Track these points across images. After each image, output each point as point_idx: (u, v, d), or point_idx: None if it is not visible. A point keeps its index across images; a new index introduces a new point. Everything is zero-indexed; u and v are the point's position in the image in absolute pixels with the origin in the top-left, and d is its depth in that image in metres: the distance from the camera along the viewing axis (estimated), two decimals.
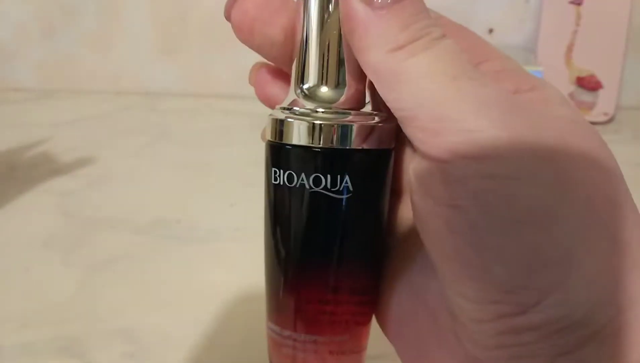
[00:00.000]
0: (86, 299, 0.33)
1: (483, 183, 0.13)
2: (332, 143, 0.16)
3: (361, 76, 0.16)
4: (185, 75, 0.66)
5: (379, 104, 0.17)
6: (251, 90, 0.21)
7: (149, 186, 0.45)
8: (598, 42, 0.56)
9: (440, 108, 0.13)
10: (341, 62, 0.17)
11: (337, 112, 0.17)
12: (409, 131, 0.14)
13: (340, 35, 0.16)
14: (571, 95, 0.58)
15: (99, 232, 0.39)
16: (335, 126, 0.16)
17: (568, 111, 0.15)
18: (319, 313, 0.18)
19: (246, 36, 0.18)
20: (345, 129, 0.16)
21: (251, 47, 0.18)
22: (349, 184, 0.16)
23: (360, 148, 0.16)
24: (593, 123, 0.57)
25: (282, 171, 0.17)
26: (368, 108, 0.17)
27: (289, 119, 0.17)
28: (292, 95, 0.17)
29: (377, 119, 0.17)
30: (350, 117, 0.16)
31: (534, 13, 0.59)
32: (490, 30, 0.61)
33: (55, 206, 0.43)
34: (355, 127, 0.16)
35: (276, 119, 0.17)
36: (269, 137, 0.17)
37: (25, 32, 0.66)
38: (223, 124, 0.58)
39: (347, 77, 0.17)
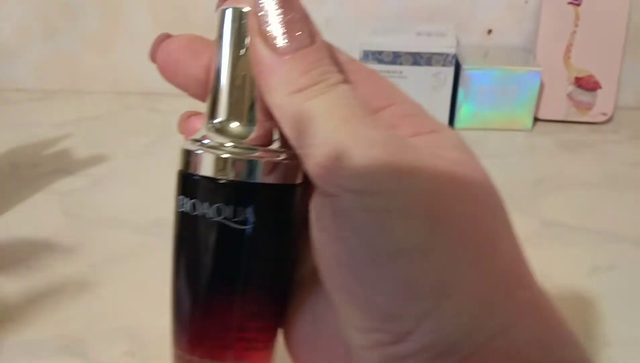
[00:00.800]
0: (88, 298, 0.33)
1: (364, 216, 0.14)
2: (236, 176, 0.17)
3: (270, 114, 0.17)
4: None
5: (287, 142, 0.17)
6: None
7: (150, 185, 0.45)
8: (597, 43, 0.56)
9: (332, 147, 0.14)
10: (251, 100, 0.17)
11: (244, 147, 0.17)
12: (306, 167, 0.15)
13: (251, 74, 0.17)
14: (569, 95, 0.58)
15: (100, 231, 0.40)
16: (240, 160, 0.17)
17: (457, 153, 0.16)
18: (219, 339, 0.18)
19: (171, 77, 0.19)
20: (250, 163, 0.17)
21: (177, 86, 0.19)
22: (252, 216, 0.17)
23: (264, 182, 0.17)
24: (591, 123, 0.58)
25: (187, 199, 0.17)
26: (276, 145, 0.18)
27: (197, 151, 0.17)
28: (203, 129, 0.18)
29: (283, 156, 0.18)
30: (256, 153, 0.17)
31: (532, 14, 0.59)
32: (489, 31, 0.61)
33: (57, 206, 0.43)
34: (260, 162, 0.17)
35: (186, 150, 0.18)
36: (179, 166, 0.18)
37: (26, 32, 0.66)
38: None
39: (258, 115, 0.17)
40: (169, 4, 0.64)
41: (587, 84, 0.57)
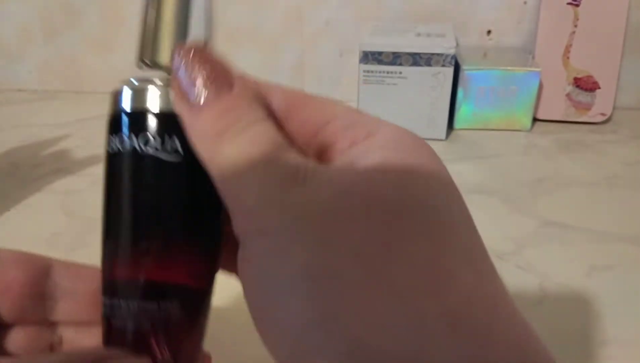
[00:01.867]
0: None
1: (264, 258, 0.14)
2: (160, 107, 0.17)
3: None
4: None
5: None
6: None
7: None
8: (595, 43, 0.56)
9: (235, 191, 0.15)
10: (185, 40, 0.18)
11: (167, 81, 0.17)
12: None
13: (174, 11, 0.18)
14: (568, 95, 0.58)
15: (101, 231, 0.40)
16: (164, 91, 0.17)
17: (384, 152, 0.16)
18: (148, 274, 0.17)
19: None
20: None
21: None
22: (178, 146, 0.17)
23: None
24: (590, 124, 0.58)
25: (115, 137, 0.18)
26: None
27: (122, 89, 0.18)
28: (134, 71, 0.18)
29: None
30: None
31: (531, 14, 0.59)
32: (489, 32, 0.61)
33: (59, 206, 0.43)
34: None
35: (113, 92, 0.18)
36: (108, 112, 0.18)
37: (28, 33, 0.66)
38: None
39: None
40: None
41: (586, 84, 0.57)
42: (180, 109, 0.16)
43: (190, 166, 0.17)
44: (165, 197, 0.17)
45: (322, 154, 0.17)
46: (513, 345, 0.13)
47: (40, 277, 0.20)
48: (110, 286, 0.18)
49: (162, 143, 0.17)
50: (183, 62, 0.16)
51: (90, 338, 0.20)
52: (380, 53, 0.51)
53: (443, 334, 0.13)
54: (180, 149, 0.17)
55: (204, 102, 0.16)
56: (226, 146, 0.15)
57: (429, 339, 0.13)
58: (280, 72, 0.65)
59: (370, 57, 0.52)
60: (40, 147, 0.53)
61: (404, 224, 0.14)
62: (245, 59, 0.64)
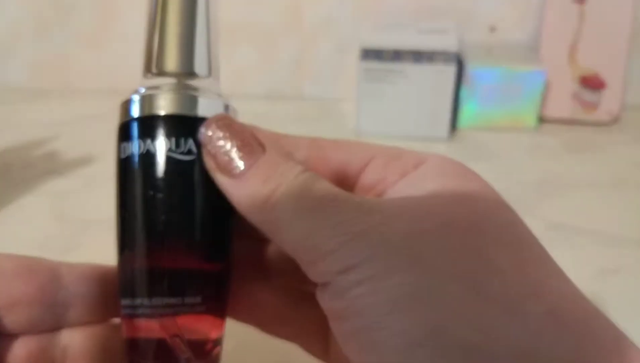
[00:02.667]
0: None
1: (356, 290, 0.15)
2: (173, 110, 0.18)
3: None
4: None
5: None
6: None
7: None
8: (602, 41, 0.56)
9: (307, 242, 0.15)
10: (192, 46, 0.19)
11: (183, 87, 0.19)
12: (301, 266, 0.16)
13: (184, 19, 0.19)
14: (575, 94, 0.57)
15: (95, 233, 0.39)
16: (175, 94, 0.18)
17: (441, 180, 0.17)
18: (172, 275, 0.18)
19: None
20: (185, 97, 0.18)
21: None
22: (193, 147, 0.18)
23: (201, 115, 0.18)
24: (597, 123, 0.58)
25: (127, 142, 0.18)
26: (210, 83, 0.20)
27: (133, 97, 0.19)
28: (142, 81, 0.20)
29: (216, 95, 0.19)
30: (194, 92, 0.19)
31: (536, 11, 0.59)
32: (493, 29, 0.60)
33: (51, 207, 0.42)
34: (197, 96, 0.18)
35: (123, 102, 0.19)
36: (119, 120, 0.19)
37: (20, 30, 0.65)
38: None
39: (196, 62, 0.19)
40: None
41: (592, 83, 0.57)
42: (222, 182, 0.17)
43: (203, 163, 0.18)
44: (184, 194, 0.18)
45: (370, 191, 0.19)
46: (607, 336, 0.15)
47: (49, 284, 0.19)
48: (132, 286, 0.18)
49: (177, 144, 0.18)
50: (213, 136, 0.17)
51: (98, 339, 0.20)
52: (381, 50, 0.51)
53: (549, 330, 0.14)
54: (194, 149, 0.18)
55: (244, 170, 0.17)
56: (282, 204, 0.16)
57: (537, 337, 0.14)
58: (278, 69, 0.64)
59: (371, 54, 0.51)
60: (32, 147, 0.52)
61: (485, 239, 0.15)
62: (243, 56, 0.64)
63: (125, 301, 0.18)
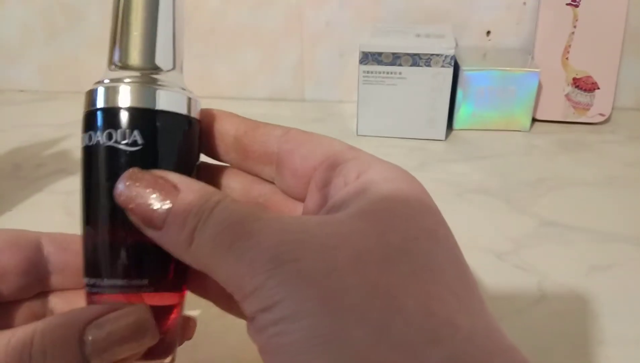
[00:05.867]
0: None
1: (274, 328, 0.15)
2: (123, 102, 0.19)
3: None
4: (186, 76, 0.66)
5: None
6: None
7: None
8: (595, 44, 0.56)
9: (230, 283, 0.16)
10: (154, 40, 0.20)
11: (136, 79, 0.19)
12: None
13: (141, 15, 0.20)
14: (568, 96, 0.58)
15: None
16: (130, 87, 0.19)
17: (372, 198, 0.17)
18: (116, 256, 0.19)
19: None
20: (138, 90, 0.19)
21: None
22: (140, 138, 0.18)
23: (151, 108, 0.19)
24: (589, 124, 0.58)
25: (85, 134, 0.19)
26: (172, 77, 0.20)
27: (92, 88, 0.19)
28: (104, 71, 0.20)
29: (180, 90, 0.20)
30: (150, 83, 0.19)
31: (531, 15, 0.60)
32: (488, 33, 0.61)
33: (60, 206, 0.43)
34: (147, 89, 0.19)
35: (86, 92, 0.20)
36: (83, 109, 0.20)
37: (30, 33, 0.66)
38: None
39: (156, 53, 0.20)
40: None
41: (585, 84, 0.57)
42: (151, 235, 0.17)
43: (149, 153, 0.19)
44: None
45: (322, 188, 0.19)
46: None
47: (33, 255, 0.21)
48: (91, 266, 0.19)
49: (123, 135, 0.18)
50: (128, 192, 0.17)
51: (76, 304, 0.21)
52: (380, 54, 0.52)
53: None
54: (139, 140, 0.18)
55: (164, 217, 0.17)
56: (201, 248, 0.16)
57: None
58: (280, 73, 0.65)
59: (370, 57, 0.52)
60: (42, 147, 0.53)
61: (395, 274, 0.15)
62: (245, 60, 0.64)
63: (86, 279, 0.20)
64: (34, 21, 0.65)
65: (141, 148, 0.18)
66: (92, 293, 0.19)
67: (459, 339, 0.14)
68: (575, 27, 0.56)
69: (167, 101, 0.19)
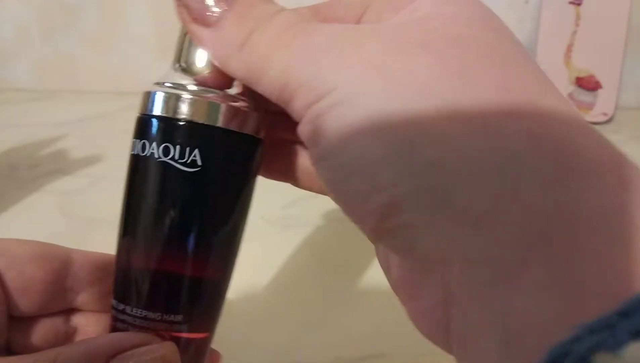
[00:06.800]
0: None
1: (327, 115, 0.14)
2: (186, 116, 0.17)
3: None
4: None
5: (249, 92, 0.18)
6: None
7: None
8: (597, 43, 0.56)
9: (280, 81, 0.15)
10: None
11: (201, 89, 0.17)
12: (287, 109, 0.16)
13: None
14: (570, 95, 0.58)
15: (99, 232, 0.40)
16: (194, 100, 0.17)
17: (429, 9, 0.15)
18: (155, 286, 0.17)
19: None
20: (204, 105, 0.17)
21: None
22: (198, 158, 0.16)
23: (216, 125, 0.17)
24: (592, 123, 0.58)
25: (139, 141, 0.17)
26: (235, 91, 0.18)
27: (153, 91, 0.17)
28: (168, 71, 0.18)
29: (241, 103, 0.17)
30: (211, 95, 0.17)
31: (533, 13, 0.59)
32: None
33: (57, 206, 0.43)
34: (214, 105, 0.17)
35: (145, 93, 0.18)
36: (138, 112, 0.18)
37: (26, 32, 0.66)
38: None
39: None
40: (169, 4, 0.63)
41: (588, 84, 0.57)
42: (197, 34, 0.16)
43: (207, 177, 0.17)
44: (180, 205, 0.17)
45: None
46: (596, 157, 0.13)
47: (60, 272, 0.19)
48: (122, 290, 0.18)
49: (182, 153, 0.16)
50: None
51: (104, 328, 0.20)
52: None
53: (526, 151, 0.12)
54: (198, 160, 0.17)
55: (218, 17, 0.16)
56: (257, 47, 0.15)
57: (513, 156, 0.12)
58: None
59: None
60: (38, 147, 0.52)
61: (465, 57, 0.14)
62: None
63: (113, 302, 0.18)
64: (30, 19, 0.65)
65: (199, 170, 0.16)
66: (119, 319, 0.18)
67: (546, 117, 0.13)
68: (577, 26, 0.56)
69: (233, 118, 0.17)
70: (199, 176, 0.17)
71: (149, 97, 0.17)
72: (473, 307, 0.13)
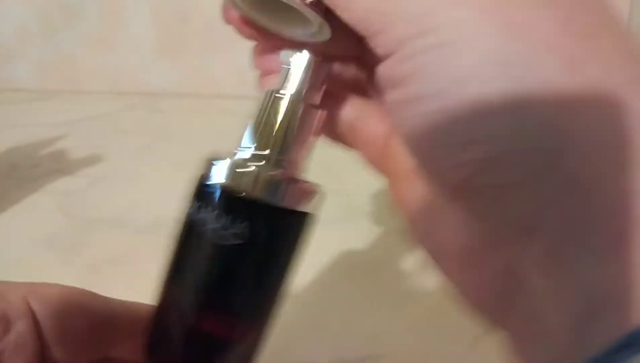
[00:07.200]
0: None
1: (430, 54, 0.13)
2: (244, 189, 0.17)
3: (303, 148, 0.18)
4: (186, 75, 0.66)
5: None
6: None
7: (149, 186, 0.45)
8: None
9: (381, 6, 0.14)
10: (283, 138, 0.18)
11: (266, 165, 0.17)
12: (371, 42, 0.14)
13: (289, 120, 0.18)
14: None
15: (100, 232, 0.40)
16: (254, 175, 0.17)
17: None
18: (198, 351, 0.18)
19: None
20: (262, 180, 0.17)
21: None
22: (247, 231, 0.17)
23: (271, 202, 0.17)
24: None
25: (195, 202, 0.18)
26: (296, 175, 0.18)
27: (217, 161, 0.18)
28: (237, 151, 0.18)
29: (302, 182, 0.18)
30: (273, 173, 0.17)
31: None
32: None
33: (57, 206, 0.43)
34: (270, 182, 0.17)
35: (209, 159, 0.18)
36: (200, 175, 0.18)
37: (26, 32, 0.66)
38: (223, 124, 0.58)
39: (291, 149, 0.18)
40: (169, 4, 0.64)
41: None
42: None
43: (254, 250, 0.17)
44: (226, 277, 0.17)
45: None
46: None
47: (99, 324, 0.19)
48: (154, 352, 0.18)
49: (234, 225, 0.17)
50: None
51: None
52: None
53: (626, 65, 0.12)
54: (248, 235, 0.17)
55: None
56: None
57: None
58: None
59: None
60: (38, 147, 0.52)
61: (593, 16, 0.13)
62: (245, 59, 0.64)
63: (146, 357, 0.18)
64: (30, 19, 0.65)
65: (250, 244, 0.17)
66: None
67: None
68: None
69: (288, 196, 0.17)
70: (249, 249, 0.17)
71: (212, 164, 0.18)
72: (553, 280, 0.12)
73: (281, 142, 0.18)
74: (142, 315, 0.20)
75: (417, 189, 0.17)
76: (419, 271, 0.34)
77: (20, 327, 0.17)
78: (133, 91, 0.65)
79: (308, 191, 0.18)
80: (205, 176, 0.18)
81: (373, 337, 0.30)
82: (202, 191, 0.18)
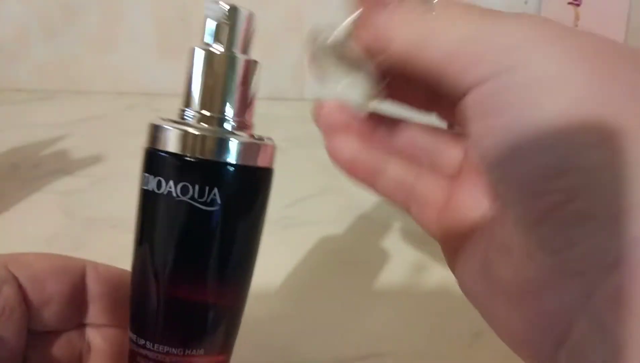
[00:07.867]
0: None
1: (518, 89, 0.14)
2: (204, 154, 0.16)
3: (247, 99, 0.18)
4: (183, 75, 0.66)
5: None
6: None
7: None
8: None
9: (468, 47, 0.14)
10: (224, 92, 0.18)
11: (217, 126, 0.17)
12: (446, 81, 0.15)
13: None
14: None
15: (101, 232, 0.40)
16: (210, 137, 0.17)
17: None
18: (174, 323, 0.17)
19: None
20: (220, 142, 0.17)
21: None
22: (218, 197, 0.17)
23: (233, 162, 0.17)
24: None
25: (152, 177, 0.17)
26: (249, 131, 0.18)
27: (166, 126, 0.17)
28: (181, 106, 0.18)
29: (257, 138, 0.18)
30: (228, 133, 0.17)
31: (532, 14, 0.59)
32: None
33: (58, 206, 0.43)
34: (230, 142, 0.17)
35: (154, 125, 0.17)
36: (146, 143, 0.18)
37: (27, 32, 0.66)
38: None
39: (236, 106, 0.18)
40: (169, 4, 0.64)
41: None
42: (377, 20, 0.17)
43: (226, 215, 0.17)
44: (199, 243, 0.17)
45: None
46: None
47: (78, 285, 0.20)
48: (140, 325, 0.18)
49: (201, 193, 0.16)
50: None
51: (116, 343, 0.20)
52: None
53: None
54: (218, 199, 0.17)
55: None
56: (445, 9, 0.15)
57: None
58: (280, 71, 0.65)
59: None
60: (40, 147, 0.52)
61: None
62: None
63: (131, 334, 0.18)
64: (31, 20, 0.65)
65: (219, 208, 0.17)
66: (138, 353, 0.18)
67: None
68: (576, 26, 0.56)
69: (248, 154, 0.17)
70: (219, 212, 0.17)
71: (160, 132, 0.17)
72: (623, 326, 0.12)
73: (225, 100, 0.18)
74: (111, 275, 0.20)
75: (480, 238, 0.17)
76: (420, 270, 0.34)
77: (6, 292, 0.18)
78: (134, 91, 0.65)
79: (261, 147, 0.18)
80: (156, 145, 0.17)
81: (374, 336, 0.30)
82: (159, 163, 0.17)
